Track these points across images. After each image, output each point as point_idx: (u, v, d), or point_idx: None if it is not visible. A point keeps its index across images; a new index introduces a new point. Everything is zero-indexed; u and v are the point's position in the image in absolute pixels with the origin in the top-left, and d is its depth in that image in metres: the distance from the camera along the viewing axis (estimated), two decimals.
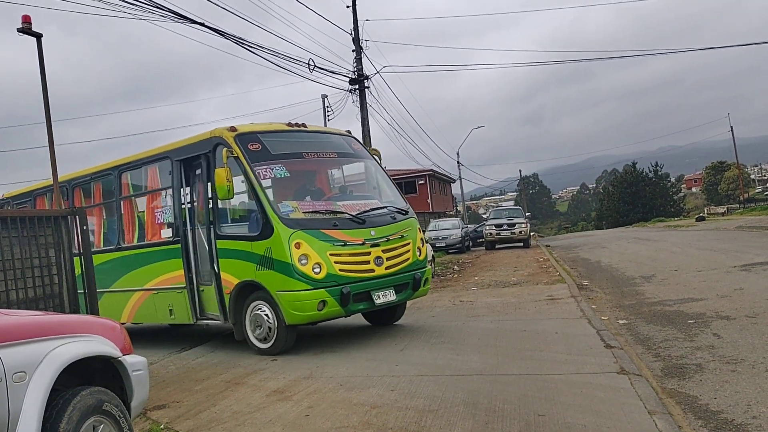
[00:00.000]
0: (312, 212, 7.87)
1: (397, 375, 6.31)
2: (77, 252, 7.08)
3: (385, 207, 8.59)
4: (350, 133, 9.73)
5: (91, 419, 3.61)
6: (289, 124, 8.82)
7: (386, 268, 7.97)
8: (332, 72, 21.42)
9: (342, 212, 8.03)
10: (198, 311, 8.76)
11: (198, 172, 8.80)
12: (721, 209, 54.66)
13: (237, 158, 7.91)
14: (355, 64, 21.83)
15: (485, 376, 5.99)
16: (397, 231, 8.30)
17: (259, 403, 5.87)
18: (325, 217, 7.88)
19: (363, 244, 7.82)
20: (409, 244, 8.38)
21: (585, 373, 5.81)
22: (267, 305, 7.75)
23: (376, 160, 9.60)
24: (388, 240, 8.09)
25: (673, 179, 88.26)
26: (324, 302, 7.41)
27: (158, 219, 9.29)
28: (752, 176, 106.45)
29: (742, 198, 62.47)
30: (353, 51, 22.06)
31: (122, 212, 10.03)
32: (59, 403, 3.45)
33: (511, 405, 5.05)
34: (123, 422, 3.82)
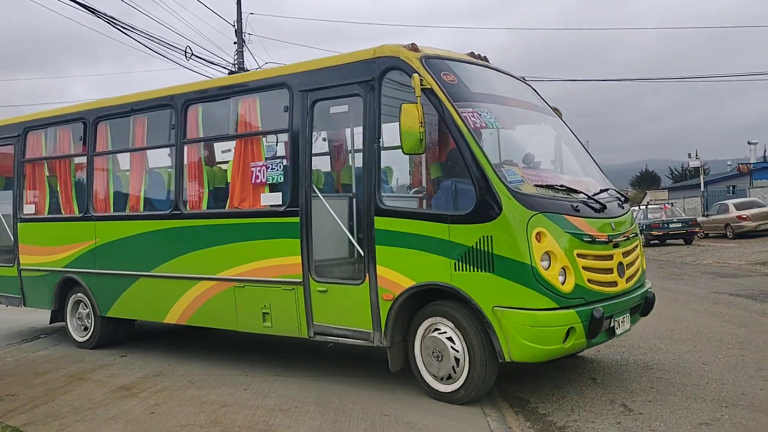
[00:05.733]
0: (544, 187, 5.41)
1: (251, 375, 6.35)
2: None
3: (607, 189, 6.06)
4: (525, 79, 6.98)
5: None
6: (472, 55, 6.26)
7: (626, 281, 5.64)
8: (211, 62, 20.92)
9: (577, 191, 5.58)
10: (317, 320, 5.95)
11: (341, 109, 6.28)
12: None
13: (431, 91, 5.33)
14: (236, 57, 21.47)
15: (340, 377, 6.19)
16: (631, 225, 6.02)
17: (103, 399, 5.69)
18: (562, 195, 5.45)
19: (608, 242, 5.46)
20: (638, 246, 6.08)
21: None
22: (453, 326, 5.26)
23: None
24: (628, 239, 5.78)
25: None
26: (571, 330, 4.98)
27: (257, 177, 6.35)
28: None
29: None
30: (235, 43, 21.69)
31: (184, 162, 7.04)
32: None
33: (360, 405, 5.27)
34: None
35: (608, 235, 5.44)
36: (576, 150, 6.57)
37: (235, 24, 21.77)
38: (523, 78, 6.87)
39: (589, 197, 5.55)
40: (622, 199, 6.13)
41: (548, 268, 4.94)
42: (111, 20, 13.51)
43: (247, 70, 21.68)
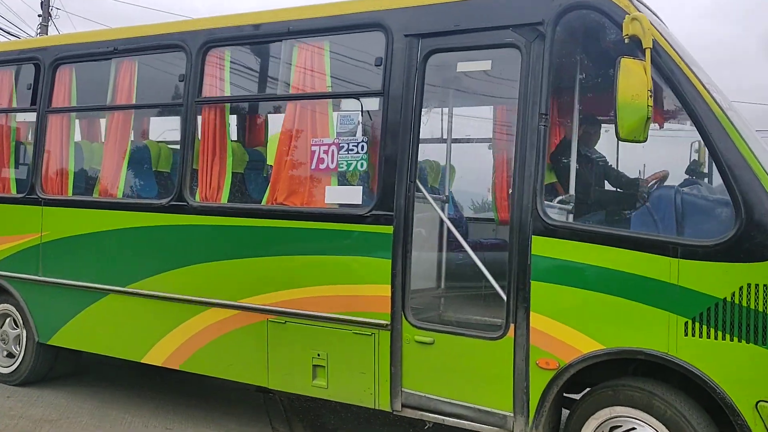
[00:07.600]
0: None
1: None
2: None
3: None
4: None
5: None
6: None
7: None
8: (8, 33, 18.94)
9: None
10: (409, 387, 3.99)
11: (479, 66, 4.26)
12: None
13: (659, 47, 3.44)
14: (39, 32, 19.72)
15: (120, 387, 5.76)
16: None
17: None
18: None
19: None
20: None
21: (230, 389, 5.82)
22: (660, 426, 3.37)
23: None
24: None
25: None
26: None
27: (321, 161, 4.31)
28: None
29: None
30: (39, 16, 19.95)
31: (197, 130, 4.90)
32: None
33: (140, 418, 5.00)
34: None
35: None
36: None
37: None
38: None
39: None
40: None
41: None
42: None
43: None
